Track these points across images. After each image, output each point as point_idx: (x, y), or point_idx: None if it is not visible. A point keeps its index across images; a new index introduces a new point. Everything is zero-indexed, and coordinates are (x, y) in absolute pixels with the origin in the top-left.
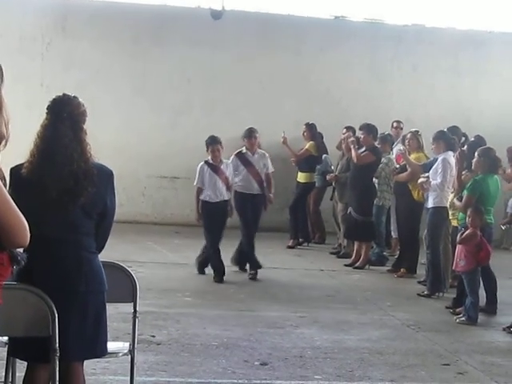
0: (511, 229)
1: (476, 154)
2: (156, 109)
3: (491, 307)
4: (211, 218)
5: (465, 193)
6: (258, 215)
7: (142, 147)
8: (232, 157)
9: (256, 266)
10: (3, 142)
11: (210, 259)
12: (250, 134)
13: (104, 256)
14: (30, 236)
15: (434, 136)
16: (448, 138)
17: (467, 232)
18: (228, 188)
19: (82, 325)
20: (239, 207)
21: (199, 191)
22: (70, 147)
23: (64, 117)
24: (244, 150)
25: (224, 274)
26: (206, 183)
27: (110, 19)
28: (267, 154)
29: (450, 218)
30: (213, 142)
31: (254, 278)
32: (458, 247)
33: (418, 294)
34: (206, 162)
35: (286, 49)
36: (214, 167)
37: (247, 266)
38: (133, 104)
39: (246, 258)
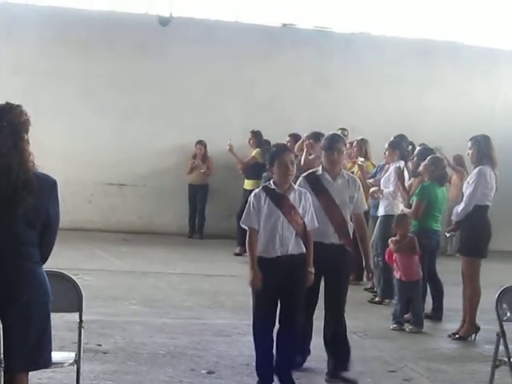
0: (455, 236)
1: (427, 160)
2: (103, 115)
3: (437, 314)
4: (265, 284)
5: (414, 199)
6: (335, 281)
7: (89, 154)
8: (300, 179)
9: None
10: None
11: (256, 356)
12: (332, 144)
13: (51, 264)
14: None
15: (392, 142)
16: (404, 149)
17: (412, 242)
18: (303, 233)
19: (26, 336)
20: None
21: (252, 237)
22: (8, 157)
23: (3, 125)
24: (320, 170)
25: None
26: (261, 223)
27: (58, 24)
28: (358, 181)
29: None
30: (281, 152)
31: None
32: (413, 257)
33: (369, 301)
34: (265, 188)
35: (232, 55)
36: (278, 196)
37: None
38: (80, 110)
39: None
